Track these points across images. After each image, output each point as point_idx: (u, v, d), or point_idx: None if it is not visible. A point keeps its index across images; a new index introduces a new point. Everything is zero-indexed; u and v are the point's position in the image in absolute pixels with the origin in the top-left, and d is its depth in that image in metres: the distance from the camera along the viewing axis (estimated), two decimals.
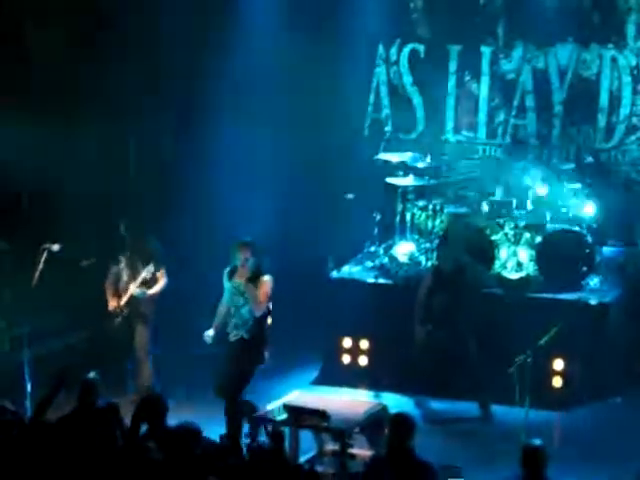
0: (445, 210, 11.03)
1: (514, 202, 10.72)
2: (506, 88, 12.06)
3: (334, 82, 12.01)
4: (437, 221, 10.97)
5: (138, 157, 12.42)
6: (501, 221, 10.63)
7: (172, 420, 6.94)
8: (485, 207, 10.82)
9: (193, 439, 6.42)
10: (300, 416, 8.10)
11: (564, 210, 10.74)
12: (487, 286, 10.34)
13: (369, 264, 11.12)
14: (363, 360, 10.62)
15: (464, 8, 11.98)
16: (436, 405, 9.92)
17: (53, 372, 7.48)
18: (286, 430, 7.96)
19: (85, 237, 11.13)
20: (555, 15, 11.66)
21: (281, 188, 11.62)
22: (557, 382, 10.07)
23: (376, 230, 11.09)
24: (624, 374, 10.23)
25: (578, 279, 10.48)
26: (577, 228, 10.58)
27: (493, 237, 10.57)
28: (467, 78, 12.16)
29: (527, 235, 10.58)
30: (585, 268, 10.48)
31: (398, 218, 11.08)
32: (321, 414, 8.01)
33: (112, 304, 9.70)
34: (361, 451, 8.12)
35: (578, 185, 10.84)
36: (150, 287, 9.73)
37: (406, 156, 11.32)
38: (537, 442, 6.73)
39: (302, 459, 8.18)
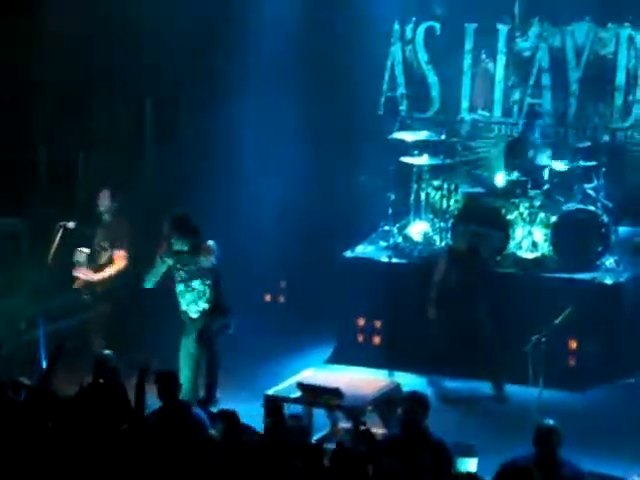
0: (460, 190, 11.00)
1: (529, 182, 10.67)
2: (522, 66, 11.98)
3: (350, 61, 11.96)
4: (452, 201, 10.95)
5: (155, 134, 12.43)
6: (516, 201, 10.59)
7: None
8: (500, 186, 10.78)
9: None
10: (314, 394, 8.11)
11: (579, 189, 10.70)
12: (503, 254, 10.30)
13: (383, 244, 11.11)
14: (377, 339, 10.62)
15: None
16: (450, 384, 9.93)
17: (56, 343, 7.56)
18: (300, 408, 7.99)
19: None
20: None
21: (295, 168, 11.59)
22: (571, 362, 10.06)
23: (390, 210, 11.06)
24: (639, 354, 10.20)
25: (593, 259, 10.45)
26: (592, 208, 10.54)
27: (508, 217, 10.54)
28: (483, 56, 12.09)
29: (542, 215, 10.54)
30: (600, 248, 10.44)
31: (413, 197, 11.05)
32: (335, 392, 8.02)
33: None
34: (374, 429, 8.13)
35: (594, 163, 10.80)
36: (99, 270, 9.40)
37: (421, 135, 11.28)
38: (550, 422, 6.73)
39: (315, 437, 8.20)
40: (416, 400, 7.06)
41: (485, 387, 9.88)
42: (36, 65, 11.52)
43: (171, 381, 7.30)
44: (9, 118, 11.35)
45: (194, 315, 8.99)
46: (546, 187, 10.67)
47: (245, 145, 11.60)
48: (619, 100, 11.70)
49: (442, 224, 10.82)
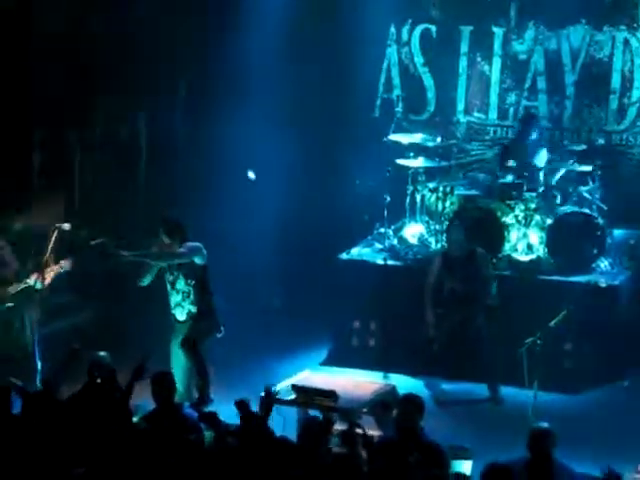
0: (455, 192, 11.01)
1: (525, 184, 10.68)
2: (518, 69, 12.00)
3: (346, 63, 11.97)
4: (447, 203, 10.95)
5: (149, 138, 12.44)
6: (512, 203, 10.60)
7: None
8: (496, 189, 10.79)
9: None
10: (309, 396, 8.11)
11: (575, 192, 10.72)
12: (498, 257, 10.34)
13: (379, 246, 11.11)
14: (372, 341, 10.62)
15: None
16: (445, 386, 9.93)
17: (65, 350, 7.53)
18: (295, 410, 7.98)
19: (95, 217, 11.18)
20: None
21: (291, 170, 11.60)
22: (566, 364, 10.07)
23: (386, 212, 11.07)
24: (633, 357, 10.21)
25: (588, 261, 10.46)
26: (587, 210, 10.56)
27: (503, 219, 10.55)
28: (478, 59, 12.11)
29: (537, 217, 10.55)
30: (595, 251, 10.46)
31: (408, 200, 11.06)
32: (330, 394, 8.02)
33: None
34: (370, 432, 8.12)
35: (589, 167, 10.81)
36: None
37: (417, 137, 11.29)
38: (544, 425, 6.73)
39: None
40: (411, 402, 7.06)
41: (480, 389, 9.89)
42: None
43: (166, 382, 7.29)
44: (6, 118, 11.36)
45: (181, 317, 8.98)
46: (542, 190, 10.68)
47: (240, 146, 11.59)
48: (614, 103, 11.72)
49: (437, 226, 10.83)
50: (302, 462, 6.35)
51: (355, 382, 8.82)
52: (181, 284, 8.90)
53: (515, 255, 10.52)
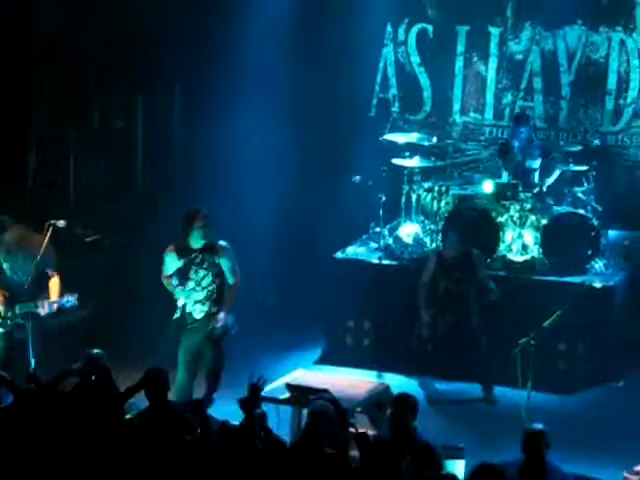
0: (451, 192, 11.01)
1: (520, 184, 10.69)
2: (514, 70, 12.01)
3: (342, 62, 11.97)
4: (443, 203, 10.95)
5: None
6: (507, 203, 10.60)
7: None
8: (491, 189, 10.79)
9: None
10: (303, 395, 8.11)
11: (570, 193, 10.73)
12: (493, 257, 10.35)
13: (374, 245, 11.12)
14: (366, 340, 10.63)
15: None
16: (439, 386, 9.93)
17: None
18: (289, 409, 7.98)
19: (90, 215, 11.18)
20: None
21: (287, 168, 11.59)
22: (560, 365, 10.08)
23: (381, 211, 11.07)
24: (627, 358, 10.22)
25: (583, 262, 10.47)
26: (582, 211, 10.57)
27: (498, 219, 10.56)
28: (475, 59, 12.11)
29: (532, 218, 10.56)
30: (590, 251, 10.47)
31: (404, 199, 11.06)
32: (324, 393, 8.00)
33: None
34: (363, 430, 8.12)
35: (584, 167, 10.82)
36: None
37: (413, 137, 11.29)
38: (538, 426, 6.73)
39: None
40: (405, 402, 7.06)
41: (474, 389, 9.89)
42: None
43: (159, 380, 7.27)
44: (2, 117, 11.35)
45: (198, 315, 8.94)
46: (536, 190, 10.68)
47: (237, 145, 11.59)
48: (610, 104, 11.73)
49: (433, 226, 10.84)
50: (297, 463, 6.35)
51: (349, 381, 8.81)
52: (208, 282, 8.84)
53: (510, 255, 10.53)
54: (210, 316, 8.87)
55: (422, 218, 11.04)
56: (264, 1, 11.67)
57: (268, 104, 11.69)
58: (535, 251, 10.52)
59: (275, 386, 8.38)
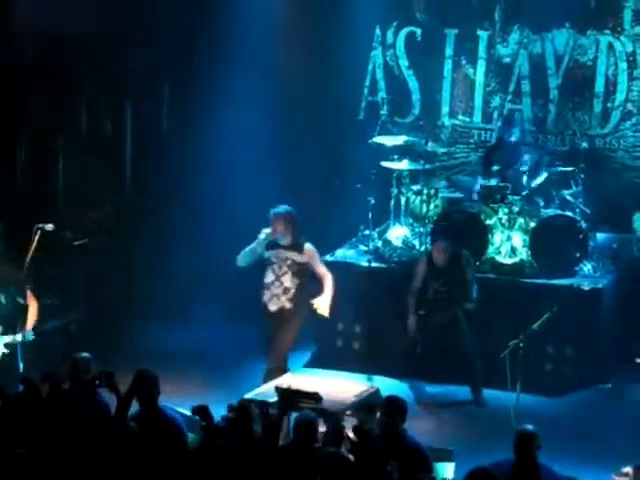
0: (440, 195, 11.03)
1: (509, 187, 10.71)
2: (502, 73, 12.04)
3: (330, 65, 11.98)
4: (431, 205, 10.97)
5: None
6: (495, 206, 10.63)
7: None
8: (479, 192, 10.82)
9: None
10: (292, 398, 8.10)
11: (558, 195, 10.76)
12: (482, 260, 10.37)
13: (363, 248, 11.13)
14: (356, 343, 10.63)
15: None
16: (428, 389, 9.95)
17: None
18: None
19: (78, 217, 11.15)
20: (552, 0, 11.64)
21: (276, 171, 11.59)
22: (549, 367, 10.10)
23: (370, 214, 11.08)
24: (616, 360, 10.25)
25: (571, 265, 10.50)
26: (571, 214, 10.60)
27: (487, 222, 10.58)
28: (463, 62, 12.14)
29: (521, 220, 10.58)
30: (578, 254, 10.50)
31: (393, 202, 11.07)
32: (313, 396, 8.01)
33: None
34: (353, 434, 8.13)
35: (571, 169, 10.86)
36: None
37: (401, 140, 11.31)
38: (530, 427, 6.75)
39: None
40: (394, 404, 7.07)
41: (463, 392, 9.90)
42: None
43: (148, 383, 7.25)
44: None
45: (272, 308, 9.21)
46: (525, 193, 10.71)
47: (225, 147, 11.59)
48: (598, 107, 11.77)
49: (422, 229, 10.85)
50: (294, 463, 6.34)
51: (339, 384, 8.81)
52: (286, 279, 9.11)
53: (498, 258, 10.55)
54: (284, 310, 9.12)
55: (411, 221, 11.06)
56: (253, 4, 11.67)
57: (257, 107, 11.69)
58: (524, 253, 10.55)
59: (264, 389, 8.37)
